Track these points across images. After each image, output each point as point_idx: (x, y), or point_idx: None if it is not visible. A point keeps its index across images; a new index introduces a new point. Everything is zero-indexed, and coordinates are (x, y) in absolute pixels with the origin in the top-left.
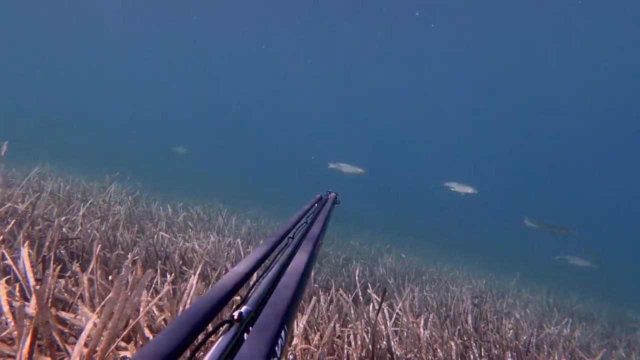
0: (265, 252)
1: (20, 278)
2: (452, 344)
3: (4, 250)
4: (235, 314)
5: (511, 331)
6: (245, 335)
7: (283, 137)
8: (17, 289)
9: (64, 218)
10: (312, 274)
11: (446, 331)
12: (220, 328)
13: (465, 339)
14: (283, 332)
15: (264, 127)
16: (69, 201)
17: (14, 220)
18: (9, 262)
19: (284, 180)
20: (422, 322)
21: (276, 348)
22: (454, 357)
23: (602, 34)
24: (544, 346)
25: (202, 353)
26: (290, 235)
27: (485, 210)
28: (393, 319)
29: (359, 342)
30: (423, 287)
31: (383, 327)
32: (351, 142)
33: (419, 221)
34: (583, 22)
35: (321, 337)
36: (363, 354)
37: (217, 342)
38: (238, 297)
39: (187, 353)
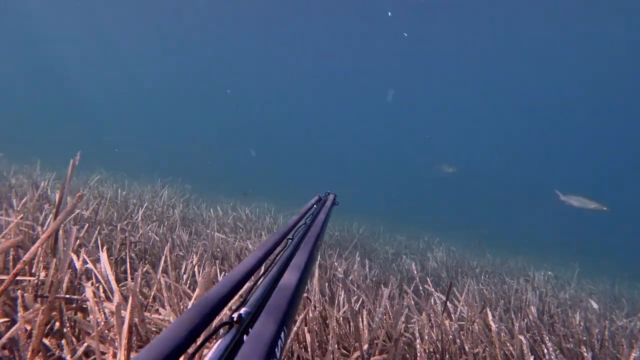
0: (264, 254)
1: (102, 280)
2: (522, 338)
3: (84, 255)
4: (235, 315)
5: (582, 324)
6: (245, 337)
7: (330, 137)
8: (101, 290)
9: (125, 222)
10: (368, 268)
11: (516, 325)
12: (220, 330)
13: (536, 332)
14: (283, 333)
15: (312, 126)
16: (126, 206)
17: (87, 226)
18: (90, 265)
19: (328, 179)
20: (489, 315)
21: (276, 349)
22: (526, 352)
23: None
24: (621, 340)
25: (201, 355)
26: (290, 236)
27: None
28: (458, 313)
29: (426, 338)
30: (478, 280)
31: (448, 321)
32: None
33: (484, 232)
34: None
35: (387, 334)
36: (431, 349)
37: (216, 344)
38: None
39: (186, 355)
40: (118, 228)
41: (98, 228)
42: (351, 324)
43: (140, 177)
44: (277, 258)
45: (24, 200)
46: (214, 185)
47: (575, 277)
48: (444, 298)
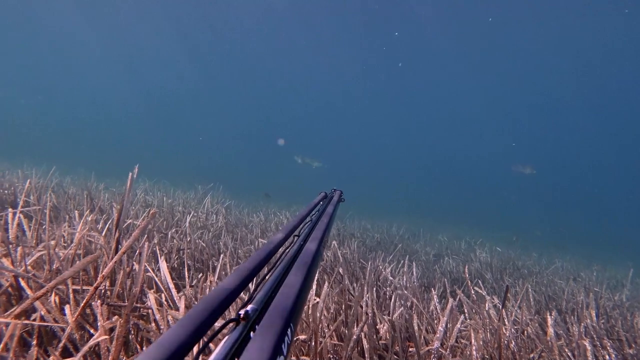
0: (270, 250)
1: (163, 288)
2: (586, 343)
3: (145, 264)
4: (242, 312)
5: None
6: (252, 333)
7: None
8: (164, 297)
9: (173, 230)
10: (414, 272)
11: (575, 329)
12: (227, 327)
13: (595, 337)
14: (289, 330)
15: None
16: (172, 214)
17: (145, 237)
18: (150, 273)
19: (364, 180)
20: (549, 320)
21: (282, 346)
22: (590, 358)
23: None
24: None
25: (208, 352)
26: (296, 233)
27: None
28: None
29: (480, 342)
30: (526, 281)
31: (500, 323)
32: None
33: (537, 234)
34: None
35: (436, 337)
36: (486, 354)
37: (223, 341)
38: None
39: (194, 351)
40: (169, 236)
41: (154, 237)
42: (402, 328)
43: (180, 184)
44: (284, 255)
45: (86, 213)
46: (253, 192)
47: (630, 277)
48: (496, 301)
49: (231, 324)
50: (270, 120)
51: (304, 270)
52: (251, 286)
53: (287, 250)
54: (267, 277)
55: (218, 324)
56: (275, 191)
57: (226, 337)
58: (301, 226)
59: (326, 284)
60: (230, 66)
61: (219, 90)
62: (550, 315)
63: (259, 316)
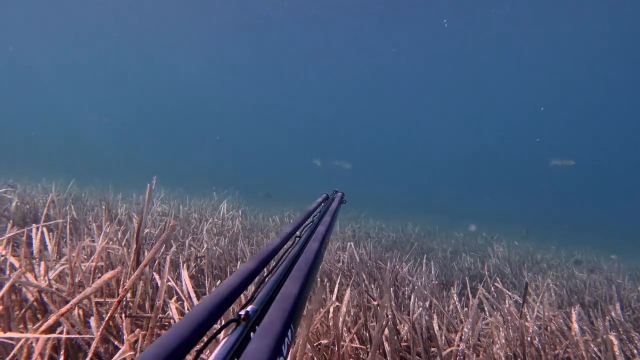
0: (271, 251)
1: (184, 298)
2: (613, 337)
3: (167, 276)
4: (242, 312)
5: None
6: (252, 334)
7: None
8: (185, 306)
9: (190, 237)
10: (433, 272)
11: (600, 323)
12: (227, 327)
13: (621, 330)
14: (289, 331)
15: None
16: (188, 221)
17: (164, 246)
18: (171, 283)
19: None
20: (573, 315)
21: (282, 347)
22: (617, 353)
23: None
24: None
25: (208, 352)
26: (297, 234)
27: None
28: (535, 313)
29: (503, 341)
30: (546, 275)
31: (523, 321)
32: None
33: (564, 227)
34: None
35: (462, 339)
36: (510, 352)
37: (223, 341)
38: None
39: (194, 352)
40: (186, 244)
41: (174, 247)
42: (423, 329)
43: (195, 191)
44: (285, 256)
45: (105, 225)
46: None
47: None
48: (516, 297)
49: (231, 324)
50: (280, 123)
51: (305, 272)
52: (252, 287)
53: (289, 252)
54: (268, 278)
55: (218, 324)
56: (287, 194)
57: (226, 337)
58: (302, 227)
59: (348, 289)
60: (237, 70)
61: (226, 94)
62: (571, 309)
63: (259, 317)
